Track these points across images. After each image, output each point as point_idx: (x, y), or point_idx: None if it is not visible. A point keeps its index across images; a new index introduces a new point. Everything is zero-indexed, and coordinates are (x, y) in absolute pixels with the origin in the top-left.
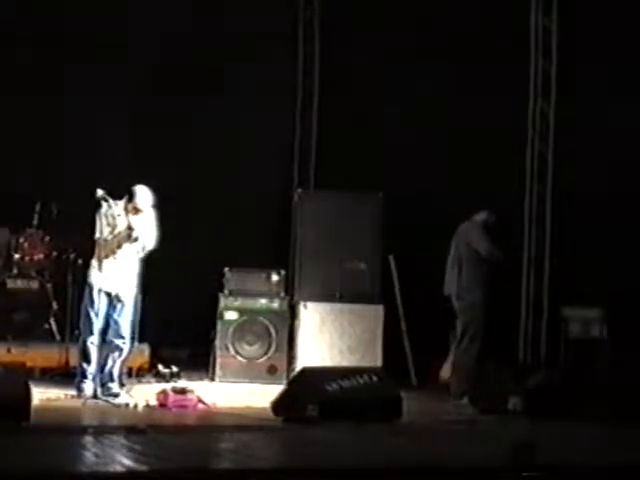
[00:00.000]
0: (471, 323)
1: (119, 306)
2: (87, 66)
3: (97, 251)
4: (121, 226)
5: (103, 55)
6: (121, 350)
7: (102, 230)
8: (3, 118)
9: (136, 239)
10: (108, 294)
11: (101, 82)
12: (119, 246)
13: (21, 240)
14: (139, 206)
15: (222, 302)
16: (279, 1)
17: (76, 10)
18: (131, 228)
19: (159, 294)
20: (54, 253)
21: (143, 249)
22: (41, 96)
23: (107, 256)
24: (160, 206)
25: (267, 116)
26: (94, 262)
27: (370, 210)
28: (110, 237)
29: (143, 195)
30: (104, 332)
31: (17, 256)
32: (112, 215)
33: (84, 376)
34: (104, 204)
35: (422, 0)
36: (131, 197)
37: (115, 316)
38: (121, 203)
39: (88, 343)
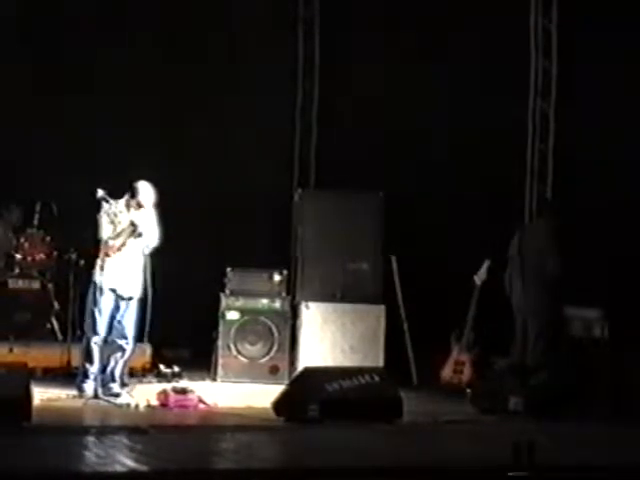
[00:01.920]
0: (535, 325)
1: (123, 306)
2: (87, 66)
3: (102, 250)
4: (124, 223)
5: (103, 55)
6: (124, 350)
7: (105, 229)
8: (3, 118)
9: (140, 234)
10: (113, 293)
11: (101, 82)
12: (124, 243)
13: (22, 240)
14: (142, 202)
15: (224, 302)
16: (279, 1)
17: (76, 10)
18: (135, 224)
19: (160, 294)
20: (55, 253)
21: (147, 246)
22: (41, 96)
23: (112, 255)
24: (161, 206)
25: (267, 116)
26: (99, 261)
27: (370, 210)
28: (114, 235)
29: (146, 191)
30: (108, 332)
31: (18, 256)
32: (114, 213)
33: (86, 376)
34: (105, 204)
35: (422, 0)
36: (134, 193)
37: (119, 316)
38: (122, 201)
39: (92, 343)
